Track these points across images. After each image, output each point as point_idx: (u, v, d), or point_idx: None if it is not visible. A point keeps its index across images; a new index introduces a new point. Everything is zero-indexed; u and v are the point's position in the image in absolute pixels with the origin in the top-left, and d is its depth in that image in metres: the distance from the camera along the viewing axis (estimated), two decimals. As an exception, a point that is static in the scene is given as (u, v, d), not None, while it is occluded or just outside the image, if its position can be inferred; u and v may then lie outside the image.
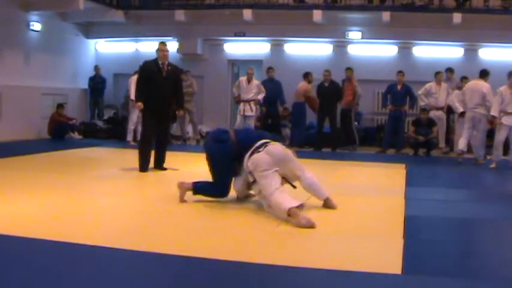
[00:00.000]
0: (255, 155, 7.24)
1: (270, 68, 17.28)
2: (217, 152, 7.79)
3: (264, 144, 7.39)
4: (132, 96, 13.91)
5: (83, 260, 5.13)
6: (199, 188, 7.88)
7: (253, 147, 7.35)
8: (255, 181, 7.26)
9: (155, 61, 10.97)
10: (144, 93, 10.86)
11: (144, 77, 10.92)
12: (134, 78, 14.00)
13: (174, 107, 11.38)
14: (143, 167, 10.87)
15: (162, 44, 11.16)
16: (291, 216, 6.58)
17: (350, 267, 4.98)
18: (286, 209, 6.63)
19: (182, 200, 7.83)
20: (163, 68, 10.93)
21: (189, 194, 7.85)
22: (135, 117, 15.89)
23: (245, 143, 7.57)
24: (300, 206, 6.88)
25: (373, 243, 5.97)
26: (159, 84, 10.82)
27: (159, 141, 11.10)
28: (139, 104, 10.85)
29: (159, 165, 11.08)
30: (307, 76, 16.95)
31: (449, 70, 16.53)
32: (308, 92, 16.78)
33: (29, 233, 5.77)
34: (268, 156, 7.20)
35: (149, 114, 10.90)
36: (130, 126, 16.40)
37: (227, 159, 7.71)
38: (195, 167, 9.04)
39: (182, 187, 7.86)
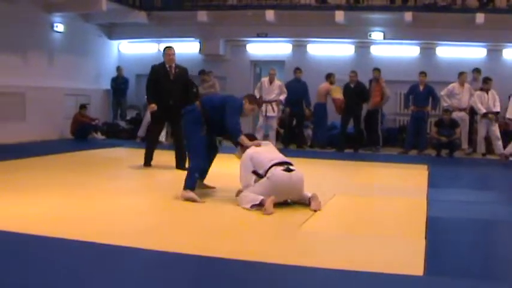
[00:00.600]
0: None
1: (297, 69, 17.22)
2: (189, 122, 8.44)
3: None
4: None
5: (104, 259, 5.17)
6: (186, 183, 8.18)
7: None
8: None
9: (163, 64, 11.47)
10: (154, 95, 11.42)
11: (153, 80, 11.42)
12: None
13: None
14: (147, 163, 11.58)
15: (168, 48, 11.61)
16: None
17: (372, 268, 4.97)
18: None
19: (201, 201, 8.00)
20: (171, 70, 11.41)
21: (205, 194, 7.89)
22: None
23: (209, 105, 8.43)
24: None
25: (395, 244, 5.96)
26: (168, 86, 11.31)
27: (177, 142, 11.59)
28: (153, 105, 11.41)
29: (181, 165, 11.21)
30: (329, 77, 16.94)
31: (476, 70, 16.36)
32: (335, 93, 16.76)
33: (52, 233, 5.82)
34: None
35: (158, 116, 11.54)
36: (144, 122, 16.72)
37: (198, 125, 8.29)
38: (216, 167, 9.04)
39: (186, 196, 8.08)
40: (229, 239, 6.07)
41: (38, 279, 4.53)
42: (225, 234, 6.31)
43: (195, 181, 8.26)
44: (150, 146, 11.76)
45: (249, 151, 7.97)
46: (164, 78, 11.33)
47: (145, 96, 12.21)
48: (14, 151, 13.40)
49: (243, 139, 8.22)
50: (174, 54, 11.51)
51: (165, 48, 11.67)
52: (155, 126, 11.95)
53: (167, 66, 11.41)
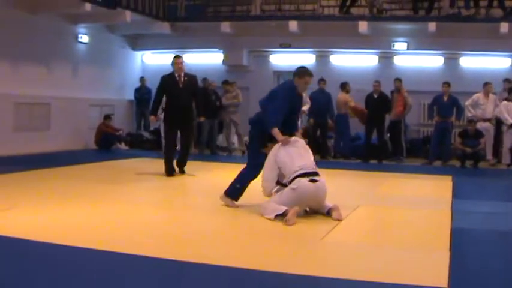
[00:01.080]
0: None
1: (321, 80, 17.17)
2: (257, 134, 8.44)
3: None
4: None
5: (124, 269, 5.20)
6: (229, 191, 8.30)
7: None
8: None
9: (172, 74, 11.96)
10: (158, 107, 12.12)
11: (162, 91, 11.97)
12: None
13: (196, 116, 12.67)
14: (170, 172, 11.86)
15: (177, 57, 12.07)
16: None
17: (395, 279, 4.94)
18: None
19: (234, 205, 8.22)
20: (180, 79, 11.86)
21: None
22: None
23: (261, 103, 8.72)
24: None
25: (419, 256, 5.92)
26: (177, 94, 11.77)
27: (184, 146, 12.35)
28: (153, 117, 12.14)
29: (180, 168, 12.12)
30: (344, 86, 16.91)
31: (508, 81, 16.15)
32: (349, 102, 16.76)
33: (76, 242, 5.86)
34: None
35: (171, 124, 11.96)
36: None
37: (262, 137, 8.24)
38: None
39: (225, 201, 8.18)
40: (251, 249, 6.07)
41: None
42: (247, 244, 6.31)
43: (237, 192, 8.32)
44: (169, 155, 12.00)
45: (276, 148, 7.87)
46: (173, 87, 11.77)
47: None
48: (39, 161, 13.51)
49: (276, 132, 7.89)
50: (182, 63, 11.98)
51: (174, 58, 12.05)
52: (169, 135, 12.16)
53: (176, 75, 11.86)
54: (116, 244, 5.88)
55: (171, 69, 11.94)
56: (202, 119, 12.92)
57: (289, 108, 8.24)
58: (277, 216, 7.33)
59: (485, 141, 15.27)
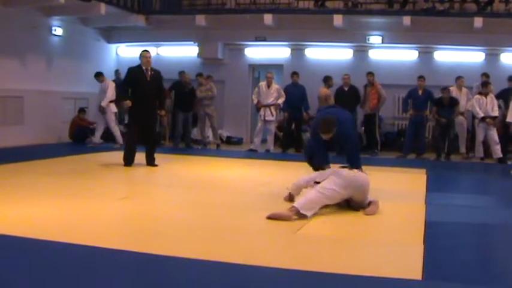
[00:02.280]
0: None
1: (294, 73, 17.21)
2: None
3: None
4: (107, 101, 16.14)
5: (94, 262, 5.17)
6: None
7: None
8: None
9: (139, 67, 12.15)
10: (127, 93, 12.18)
11: (130, 82, 12.11)
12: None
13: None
14: (128, 162, 12.08)
15: (146, 51, 12.33)
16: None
17: (369, 272, 4.97)
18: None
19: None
20: (147, 72, 12.08)
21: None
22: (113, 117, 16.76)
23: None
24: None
25: (394, 249, 5.96)
26: (144, 87, 11.98)
27: (147, 139, 12.30)
28: (128, 102, 12.07)
29: (151, 161, 12.24)
30: (327, 81, 16.85)
31: (485, 75, 16.11)
32: (328, 99, 16.80)
33: (45, 235, 5.84)
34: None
35: (136, 116, 12.11)
36: (116, 129, 16.88)
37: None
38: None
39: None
40: (223, 242, 6.07)
41: (27, 281, 4.54)
42: (220, 237, 6.30)
43: None
44: (132, 145, 12.20)
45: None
46: (141, 79, 11.94)
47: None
48: (12, 155, 13.40)
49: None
50: (150, 57, 12.28)
51: (142, 52, 12.27)
52: (133, 127, 12.27)
53: (144, 68, 12.07)
54: (83, 237, 5.88)
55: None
56: (163, 112, 13.04)
57: None
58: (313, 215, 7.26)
59: (459, 110, 15.55)
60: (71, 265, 5.05)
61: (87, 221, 6.84)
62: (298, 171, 7.81)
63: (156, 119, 13.33)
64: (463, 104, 15.67)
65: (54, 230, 6.20)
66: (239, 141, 19.35)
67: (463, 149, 15.74)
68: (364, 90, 16.71)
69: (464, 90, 15.80)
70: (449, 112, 15.39)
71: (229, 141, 19.19)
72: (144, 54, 12.13)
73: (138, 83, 11.94)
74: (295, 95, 16.81)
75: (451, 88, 15.72)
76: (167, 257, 5.28)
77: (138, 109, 11.96)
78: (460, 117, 15.66)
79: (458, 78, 15.89)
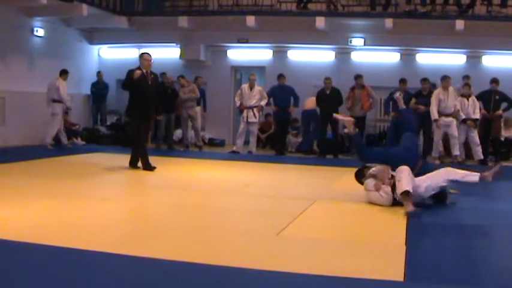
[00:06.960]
0: None
1: (281, 75, 17.22)
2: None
3: None
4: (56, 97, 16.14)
5: (80, 265, 5.10)
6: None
7: None
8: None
9: (139, 69, 11.93)
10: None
11: (131, 84, 11.85)
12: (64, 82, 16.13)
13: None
14: (149, 166, 11.94)
15: (147, 54, 12.21)
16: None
17: (352, 273, 4.98)
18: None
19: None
20: (148, 76, 12.01)
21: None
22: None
23: None
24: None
25: (376, 250, 5.97)
26: (145, 89, 11.90)
27: (139, 142, 12.19)
28: (138, 71, 11.77)
29: (134, 164, 12.18)
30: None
31: (467, 77, 16.02)
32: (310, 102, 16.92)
33: (29, 238, 5.79)
34: None
35: (137, 116, 12.03)
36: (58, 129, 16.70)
37: None
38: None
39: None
40: (205, 244, 6.05)
41: (13, 285, 4.50)
42: (202, 239, 6.29)
43: None
44: (141, 146, 12.14)
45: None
46: (143, 81, 11.81)
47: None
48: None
49: None
50: (152, 60, 12.09)
51: (143, 54, 12.22)
52: (138, 128, 12.14)
53: (144, 71, 11.92)
54: (69, 240, 5.82)
55: (127, 64, 12.01)
56: (160, 117, 13.29)
57: None
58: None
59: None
60: (57, 269, 5.01)
61: (69, 223, 6.81)
62: (280, 173, 7.79)
63: (152, 120, 13.44)
64: (451, 105, 15.28)
65: (36, 232, 6.17)
66: (221, 143, 19.33)
67: (456, 152, 15.36)
68: (351, 93, 16.74)
69: (450, 89, 15.34)
70: (427, 101, 15.35)
71: (211, 143, 19.18)
72: (146, 57, 12.03)
73: (140, 85, 11.79)
74: (282, 96, 16.92)
75: (438, 90, 15.33)
76: (149, 259, 5.26)
77: (141, 111, 11.93)
78: (449, 119, 15.30)
79: (444, 78, 15.43)
